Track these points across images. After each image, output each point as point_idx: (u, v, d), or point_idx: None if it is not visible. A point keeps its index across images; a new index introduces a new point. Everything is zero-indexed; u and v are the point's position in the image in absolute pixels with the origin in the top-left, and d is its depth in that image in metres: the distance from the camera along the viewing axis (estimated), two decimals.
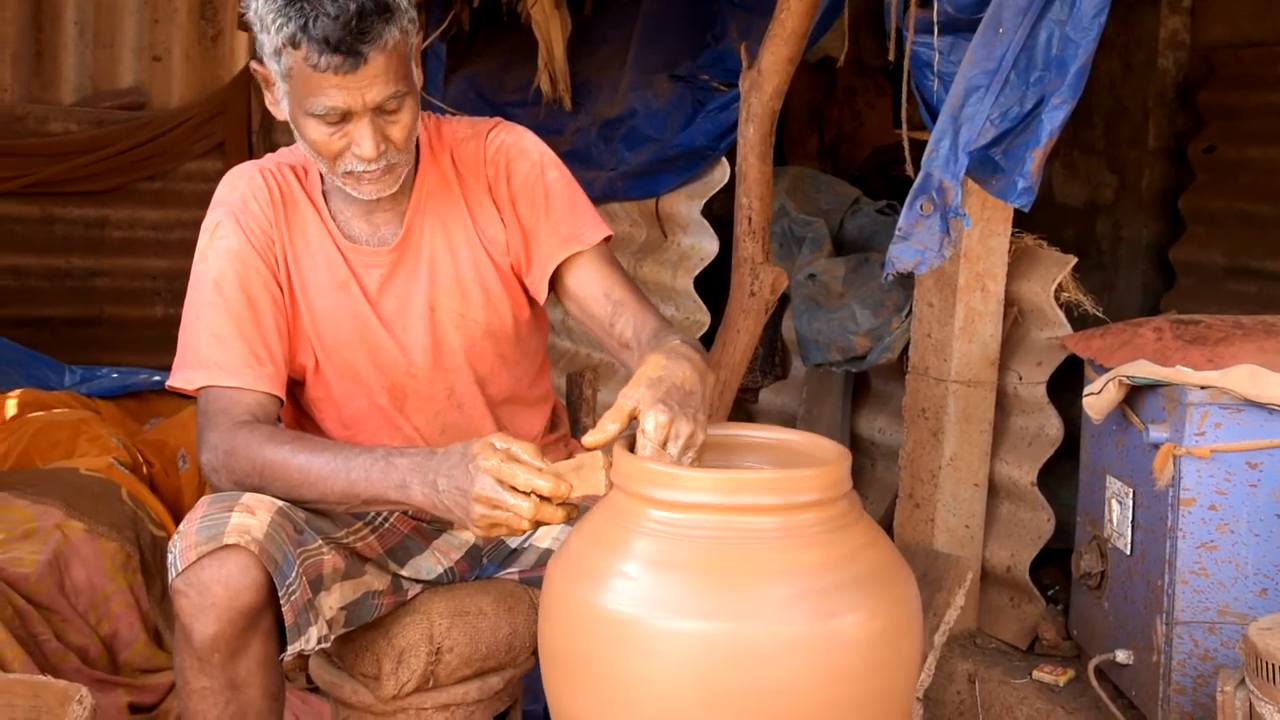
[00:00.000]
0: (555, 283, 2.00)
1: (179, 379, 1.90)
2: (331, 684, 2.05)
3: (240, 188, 1.96)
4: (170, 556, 1.74)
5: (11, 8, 5.51)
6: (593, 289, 1.97)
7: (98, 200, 5.70)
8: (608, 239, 2.01)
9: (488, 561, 2.14)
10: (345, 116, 1.78)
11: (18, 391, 3.68)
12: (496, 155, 2.00)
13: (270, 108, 1.86)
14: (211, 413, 1.86)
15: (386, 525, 2.02)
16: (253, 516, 1.73)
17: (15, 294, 5.59)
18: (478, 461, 1.63)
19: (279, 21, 1.73)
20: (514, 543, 2.14)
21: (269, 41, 1.77)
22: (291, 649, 1.77)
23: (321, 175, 1.97)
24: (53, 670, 2.61)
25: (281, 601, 1.73)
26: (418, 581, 2.04)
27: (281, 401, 1.92)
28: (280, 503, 1.79)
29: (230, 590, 1.70)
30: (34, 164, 5.47)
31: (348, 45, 1.71)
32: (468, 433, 1.94)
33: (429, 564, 2.06)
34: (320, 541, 1.83)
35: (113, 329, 5.82)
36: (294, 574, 1.74)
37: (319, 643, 1.79)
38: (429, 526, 2.08)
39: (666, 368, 1.65)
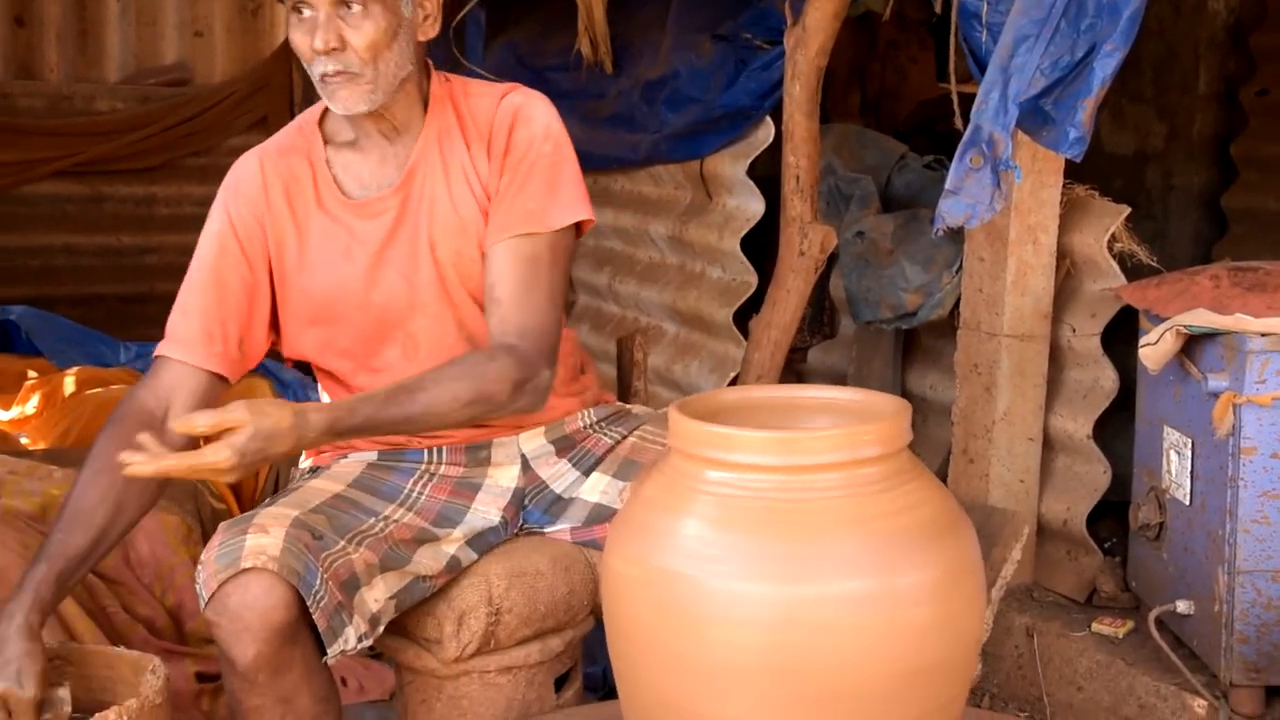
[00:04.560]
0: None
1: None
2: (394, 649, 2.08)
3: (236, 173, 2.08)
4: (197, 588, 1.78)
5: None
6: (490, 276, 1.96)
7: (146, 178, 5.76)
8: (581, 225, 2.03)
9: (530, 505, 2.13)
10: (313, 13, 1.88)
11: (75, 369, 3.73)
12: (504, 115, 2.03)
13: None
14: (147, 380, 2.00)
15: (422, 499, 2.04)
16: (266, 535, 1.77)
17: (68, 272, 5.66)
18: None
19: None
20: (557, 488, 2.13)
21: None
22: (331, 652, 1.79)
23: (325, 141, 2.06)
24: (122, 641, 2.65)
25: (311, 609, 1.76)
26: (480, 537, 2.04)
27: (227, 381, 2.00)
28: (293, 513, 1.83)
29: (259, 612, 1.73)
30: (82, 143, 5.53)
31: None
32: None
33: (481, 516, 2.06)
34: (343, 542, 1.85)
35: (163, 305, 5.77)
36: (319, 581, 1.77)
37: (359, 640, 1.82)
38: (461, 483, 2.08)
39: (276, 421, 1.69)
